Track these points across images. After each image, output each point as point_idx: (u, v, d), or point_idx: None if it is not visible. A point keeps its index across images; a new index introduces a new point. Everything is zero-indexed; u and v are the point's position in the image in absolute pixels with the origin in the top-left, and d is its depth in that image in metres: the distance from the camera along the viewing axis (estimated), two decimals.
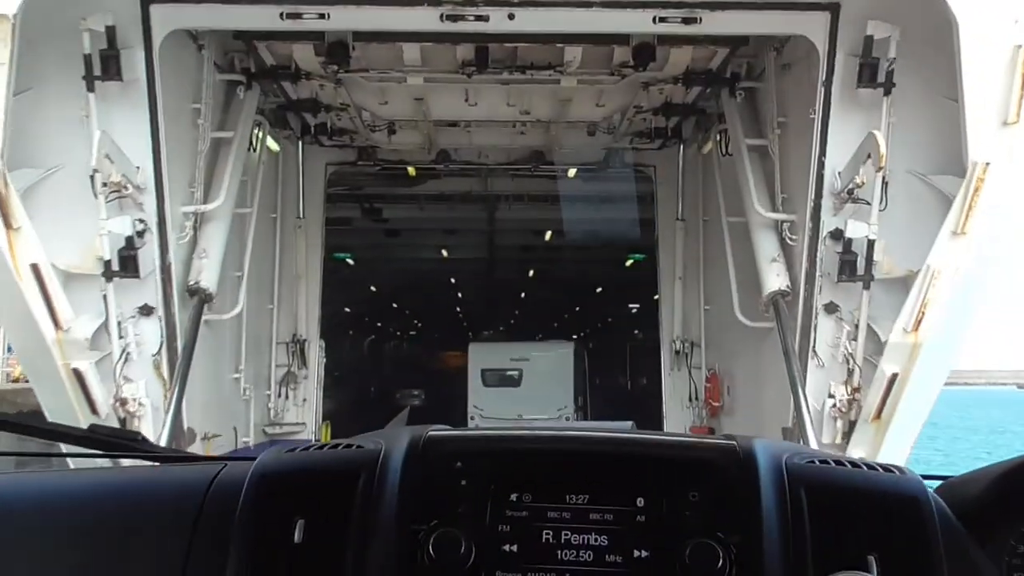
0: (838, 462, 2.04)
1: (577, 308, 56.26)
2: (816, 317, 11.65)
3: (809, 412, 11.16)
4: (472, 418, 24.40)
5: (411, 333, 79.40)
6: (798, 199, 12.08)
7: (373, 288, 44.77)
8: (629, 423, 2.46)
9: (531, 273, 38.43)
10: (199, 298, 12.03)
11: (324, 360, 18.28)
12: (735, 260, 14.04)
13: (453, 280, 41.18)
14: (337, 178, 20.49)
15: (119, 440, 2.91)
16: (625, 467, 2.09)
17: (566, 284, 42.83)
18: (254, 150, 14.63)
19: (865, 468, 2.02)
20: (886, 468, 2.03)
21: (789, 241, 12.17)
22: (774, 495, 1.92)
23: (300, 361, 17.39)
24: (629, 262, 33.25)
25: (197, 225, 12.55)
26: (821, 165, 11.19)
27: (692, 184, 17.31)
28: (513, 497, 2.01)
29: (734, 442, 2.13)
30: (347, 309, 55.06)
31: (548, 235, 28.64)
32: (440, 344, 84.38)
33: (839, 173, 11.08)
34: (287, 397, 17.32)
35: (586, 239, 29.69)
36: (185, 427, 12.26)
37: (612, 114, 15.53)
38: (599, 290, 44.74)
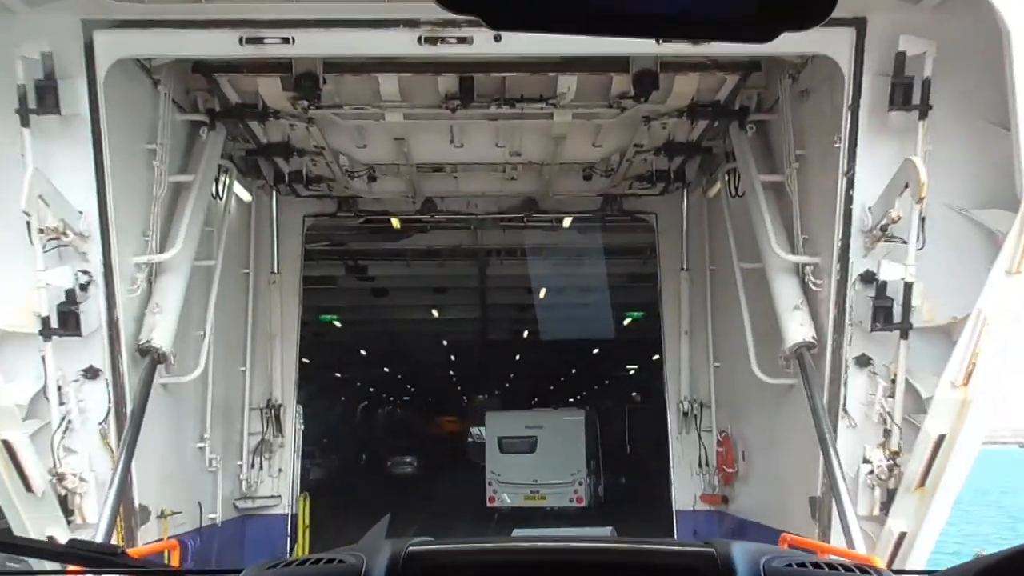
0: (816, 564, 2.03)
1: (574, 370, 54.76)
2: (846, 371, 10.33)
3: (844, 479, 9.77)
4: (490, 483, 25.10)
5: (404, 398, 77.74)
6: (822, 240, 10.85)
7: (363, 352, 43.29)
8: (609, 529, 3.48)
9: (525, 334, 37.03)
10: (151, 358, 10.68)
11: (302, 427, 16.85)
12: (750, 311, 12.74)
13: (445, 342, 39.70)
14: (316, 232, 19.26)
15: (99, 555, 2.78)
16: (602, 574, 2.09)
17: (563, 345, 41.42)
18: (220, 197, 13.41)
19: (842, 570, 2.01)
20: (862, 569, 2.03)
21: (813, 287, 10.90)
22: None
23: (275, 428, 15.92)
24: (627, 320, 32.07)
25: (152, 277, 11.28)
26: (849, 200, 9.99)
27: (697, 231, 16.10)
28: None
29: (713, 548, 2.12)
30: (337, 374, 53.67)
31: (543, 293, 27.34)
32: (433, 409, 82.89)
33: (870, 209, 9.87)
34: (261, 467, 15.81)
35: (583, 296, 28.52)
36: (136, 504, 10.82)
37: (610, 154, 14.37)
38: (596, 351, 43.30)
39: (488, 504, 24.35)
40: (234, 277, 15.35)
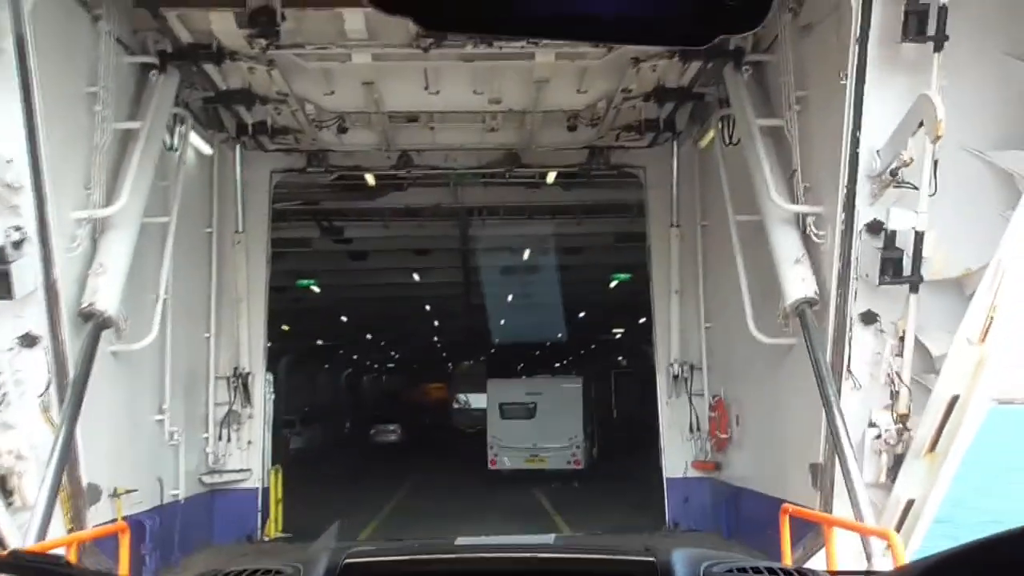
0: (756, 570, 2.00)
1: (559, 335, 54.04)
2: (851, 329, 9.55)
3: (851, 445, 9.02)
4: (491, 447, 26.00)
5: (389, 366, 77.00)
6: (825, 188, 10.02)
7: (344, 318, 42.36)
8: (552, 536, 1.84)
9: (510, 298, 36.21)
10: (95, 323, 9.77)
11: (273, 396, 15.98)
12: (746, 267, 11.93)
13: (428, 307, 38.79)
14: (286, 190, 18.25)
15: (42, 565, 2.56)
16: None
17: (549, 310, 40.64)
18: (175, 149, 12.44)
19: (781, 573, 2.02)
20: (801, 572, 2.11)
21: (815, 239, 10.08)
22: None
23: (244, 398, 15.07)
24: (613, 283, 31.27)
25: (97, 235, 10.34)
26: (855, 142, 9.14)
27: (688, 185, 15.24)
28: None
29: (652, 557, 2.11)
30: (319, 341, 52.78)
31: (526, 254, 26.46)
32: (419, 376, 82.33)
33: (878, 152, 9.04)
34: (229, 440, 14.98)
35: (569, 258, 27.67)
36: (84, 483, 9.97)
37: (596, 101, 13.39)
38: (583, 315, 42.58)
39: (490, 467, 25.14)
40: (195, 237, 14.42)
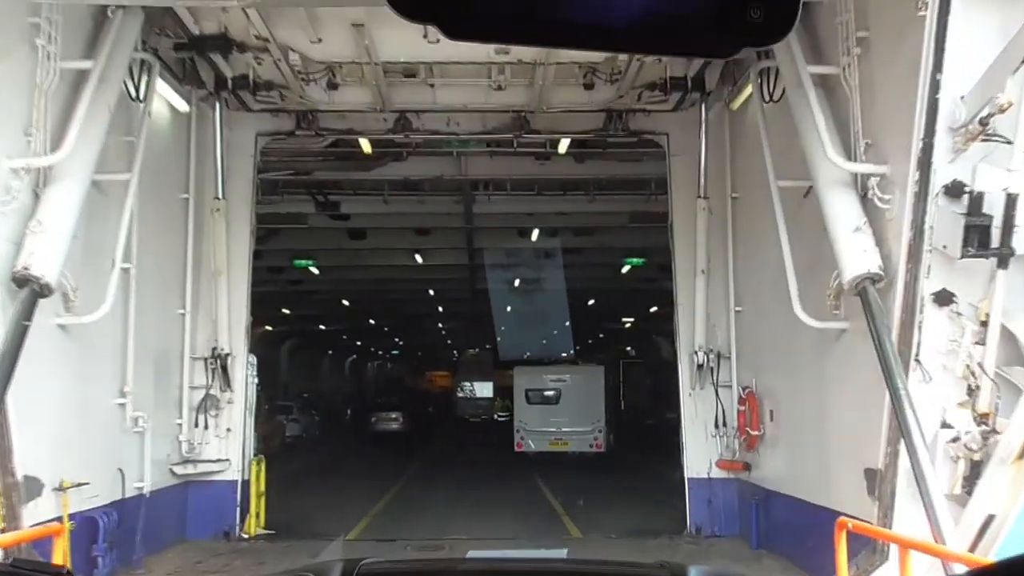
0: None
1: (567, 323, 52.55)
2: (922, 311, 8.06)
3: (926, 448, 7.55)
4: (518, 431, 27.17)
5: (393, 352, 75.65)
6: (892, 143, 8.51)
7: (345, 303, 40.93)
8: (564, 550, 1.31)
9: (516, 283, 34.73)
10: (31, 290, 8.33)
11: (255, 380, 14.54)
12: (789, 240, 10.43)
13: (431, 292, 37.27)
14: (275, 158, 16.85)
15: (43, 573, 2.59)
16: None
17: (557, 296, 39.16)
18: (140, 100, 10.97)
19: None
20: None
21: (879, 203, 8.57)
22: None
23: (223, 381, 13.64)
24: (626, 268, 29.78)
25: (39, 188, 8.89)
26: (935, 86, 7.63)
27: (717, 152, 13.71)
28: None
29: (667, 570, 2.06)
30: (321, 326, 51.41)
31: (535, 234, 24.95)
32: (424, 364, 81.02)
33: (962, 98, 7.52)
34: (206, 427, 13.57)
35: (579, 240, 26.19)
36: (19, 475, 8.57)
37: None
38: (592, 302, 41.07)
39: (516, 450, 26.23)
40: (170, 203, 13.00)
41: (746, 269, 13.22)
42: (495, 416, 47.77)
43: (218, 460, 13.52)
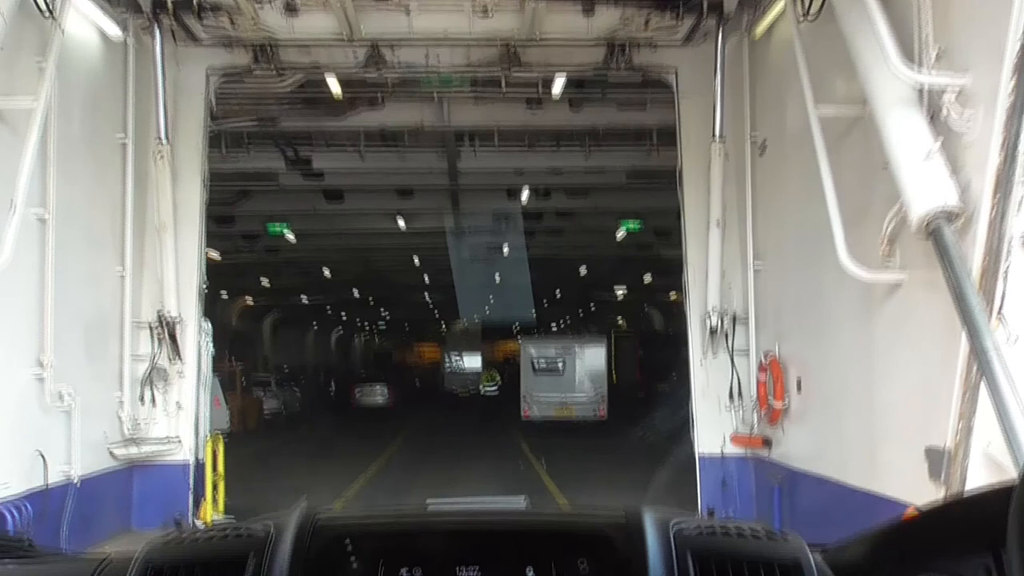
0: (725, 530, 2.01)
1: (559, 293, 51.02)
2: (1008, 256, 6.46)
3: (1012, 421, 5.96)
4: (525, 399, 28.03)
5: (379, 325, 74.01)
6: (974, 48, 6.85)
7: (326, 272, 39.20)
8: (522, 498, 2.39)
9: (505, 250, 33.06)
10: None
11: (211, 349, 12.87)
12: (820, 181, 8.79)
13: (416, 260, 35.52)
14: (233, 102, 15.23)
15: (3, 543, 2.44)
16: (513, 540, 2.09)
17: (546, 264, 37.57)
18: (50, 15, 9.19)
19: (750, 534, 2.00)
20: (770, 534, 1.99)
21: (955, 124, 6.92)
22: (662, 563, 1.91)
23: (172, 351, 11.98)
24: (622, 233, 28.16)
25: None
26: None
27: (734, 88, 12.01)
28: (403, 572, 2.02)
29: (622, 512, 2.10)
30: (303, 298, 49.70)
31: (525, 195, 23.28)
32: (412, 337, 79.46)
33: None
34: (153, 403, 11.93)
35: (573, 200, 24.54)
36: None
37: None
38: (585, 271, 39.47)
39: (523, 417, 27.18)
40: (102, 145, 11.25)
41: (767, 220, 11.61)
42: (483, 390, 46.32)
43: (167, 440, 11.88)
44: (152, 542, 2.09)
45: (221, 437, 12.91)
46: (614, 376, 48.84)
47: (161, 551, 2.05)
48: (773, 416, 10.94)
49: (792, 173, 10.72)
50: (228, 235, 28.73)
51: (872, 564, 1.81)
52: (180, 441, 11.97)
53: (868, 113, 7.76)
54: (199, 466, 12.17)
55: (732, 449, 11.94)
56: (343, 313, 61.28)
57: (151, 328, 11.91)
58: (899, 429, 7.94)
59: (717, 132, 11.92)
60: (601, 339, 33.12)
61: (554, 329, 75.50)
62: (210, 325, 12.84)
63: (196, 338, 12.33)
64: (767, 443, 11.31)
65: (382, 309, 60.73)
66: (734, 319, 12.06)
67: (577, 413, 27.08)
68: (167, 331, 11.89)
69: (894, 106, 7.25)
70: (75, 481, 10.04)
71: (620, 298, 50.55)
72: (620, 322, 62.45)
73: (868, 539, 1.76)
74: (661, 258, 35.03)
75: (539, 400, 27.00)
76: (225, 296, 44.86)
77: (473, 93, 15.06)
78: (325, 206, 24.39)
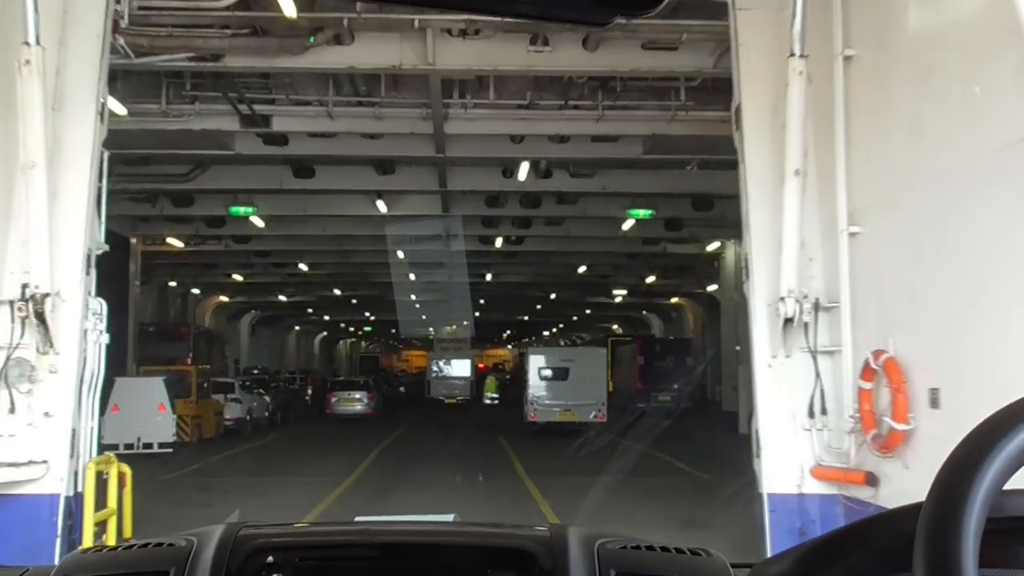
0: (649, 547, 2.00)
1: (553, 295, 47.73)
2: None
3: None
4: (531, 404, 29.24)
5: (365, 329, 70.77)
6: None
7: (303, 267, 35.86)
8: (452, 516, 2.46)
9: (499, 243, 29.80)
10: None
11: (105, 337, 9.51)
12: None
13: (400, 254, 32.07)
14: (166, 32, 12.02)
15: None
16: (438, 556, 2.12)
17: (543, 259, 34.37)
18: None
19: (674, 552, 1.99)
20: (694, 552, 1.99)
21: None
22: None
23: (42, 338, 8.67)
24: (628, 224, 24.94)
25: None
26: None
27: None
28: None
29: (546, 529, 2.11)
30: (280, 297, 46.43)
31: (523, 171, 20.02)
32: (401, 343, 76.17)
33: None
34: (12, 409, 8.60)
35: (577, 182, 21.30)
36: None
37: None
38: (583, 269, 36.22)
39: (530, 421, 28.54)
40: None
41: (869, 167, 8.37)
42: (485, 399, 43.01)
43: (28, 462, 8.54)
44: (71, 554, 2.07)
45: (115, 459, 9.57)
46: (611, 386, 46.20)
47: (79, 562, 2.03)
48: (889, 442, 7.62)
49: (908, 98, 7.54)
50: (188, 218, 25.44)
51: None
52: (47, 464, 8.62)
53: None
54: (77, 499, 8.83)
55: (814, 486, 8.65)
56: (322, 314, 57.99)
57: (12, 306, 8.60)
58: None
59: (797, 48, 8.64)
60: (600, 348, 34.99)
61: (546, 335, 72.80)
62: (104, 305, 9.50)
63: (80, 322, 9.00)
64: (872, 480, 7.99)
65: (368, 312, 57.41)
66: (816, 306, 8.79)
67: (579, 417, 28.21)
68: (34, 311, 8.57)
69: None
70: None
71: (618, 302, 47.38)
72: (616, 328, 59.38)
73: (792, 556, 1.59)
74: (670, 256, 32.00)
75: (544, 406, 28.47)
76: (197, 292, 41.57)
77: (464, 20, 11.79)
78: (293, 182, 21.12)
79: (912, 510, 1.15)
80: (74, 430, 8.81)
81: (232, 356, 43.94)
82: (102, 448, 10.19)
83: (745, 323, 10.20)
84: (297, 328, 62.83)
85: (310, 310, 55.24)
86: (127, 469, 10.09)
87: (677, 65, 13.41)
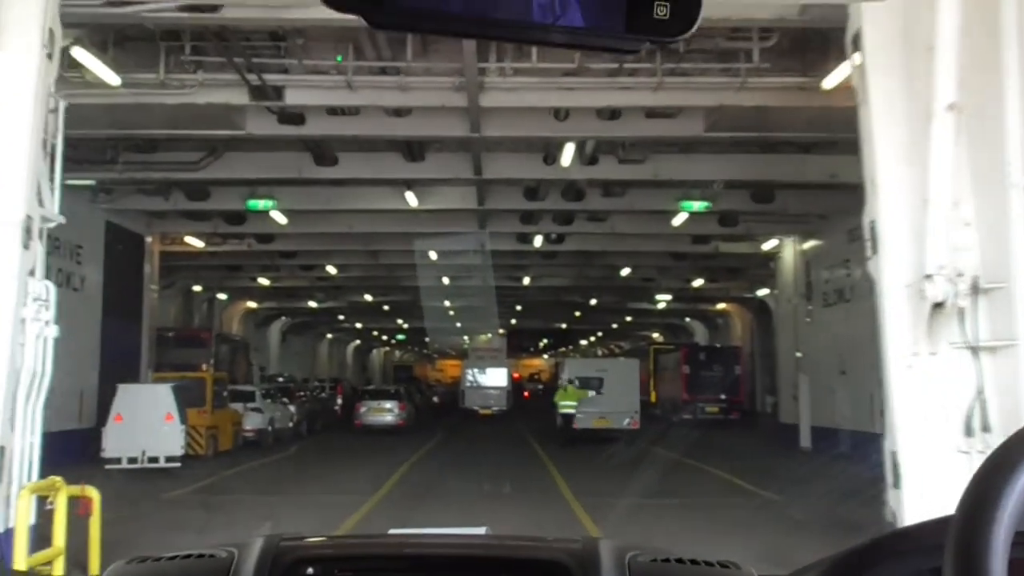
0: (679, 560, 2.03)
1: (594, 301, 45.44)
2: None
3: None
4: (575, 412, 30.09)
5: (398, 337, 69.02)
6: None
7: (331, 270, 34.00)
8: (484, 528, 2.43)
9: (538, 242, 27.71)
10: None
11: (51, 328, 7.54)
12: None
13: (433, 255, 30.04)
14: None
15: None
16: (471, 569, 2.13)
17: (585, 260, 32.31)
18: None
19: (704, 565, 2.02)
20: (723, 565, 2.02)
21: None
22: None
23: None
24: (679, 218, 22.74)
25: None
26: None
27: None
28: None
29: (579, 543, 2.11)
30: (311, 303, 44.75)
31: (567, 155, 17.92)
32: (436, 351, 74.41)
33: None
34: None
35: (625, 168, 19.17)
36: None
37: None
38: (627, 271, 33.97)
39: (573, 427, 29.15)
40: None
41: None
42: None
43: None
44: (116, 564, 2.08)
45: (62, 483, 7.56)
46: (653, 395, 44.17)
47: (123, 572, 2.05)
48: None
49: None
50: (205, 213, 23.61)
51: None
52: None
53: None
54: (7, 537, 6.85)
55: None
56: (353, 321, 56.25)
57: None
58: None
59: None
60: (633, 360, 36.32)
61: (583, 343, 70.70)
62: (51, 289, 7.54)
63: (14, 309, 7.04)
64: None
65: (401, 320, 55.61)
66: (975, 287, 6.59)
67: (614, 423, 29.47)
68: None
69: None
70: None
71: (661, 309, 45.07)
72: (657, 336, 57.05)
73: (819, 568, 1.58)
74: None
75: (583, 413, 29.45)
76: (224, 298, 39.94)
77: None
78: (314, 170, 19.23)
79: (940, 523, 1.15)
80: (2, 447, 6.84)
81: (260, 364, 42.24)
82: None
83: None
84: (329, 336, 61.27)
85: (341, 317, 53.50)
86: (93, 493, 8.09)
87: (756, 8, 11.25)
